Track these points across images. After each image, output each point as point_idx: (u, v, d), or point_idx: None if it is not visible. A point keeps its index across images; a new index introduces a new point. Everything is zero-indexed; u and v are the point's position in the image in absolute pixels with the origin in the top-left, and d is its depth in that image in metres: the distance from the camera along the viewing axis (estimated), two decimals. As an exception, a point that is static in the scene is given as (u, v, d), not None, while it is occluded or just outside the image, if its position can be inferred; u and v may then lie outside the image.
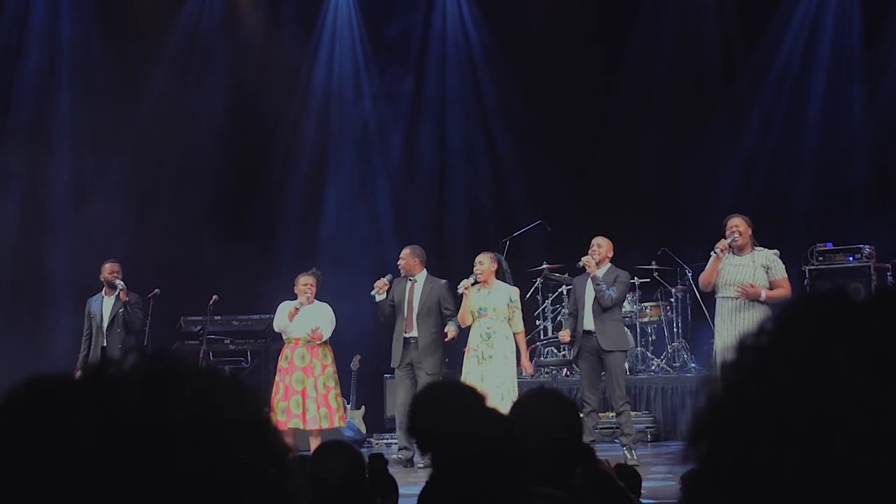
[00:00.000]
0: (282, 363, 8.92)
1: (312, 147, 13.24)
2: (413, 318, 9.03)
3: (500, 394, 8.13)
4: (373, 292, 9.08)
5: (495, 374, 8.38)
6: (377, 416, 11.13)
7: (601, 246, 8.73)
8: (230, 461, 0.83)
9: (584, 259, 8.67)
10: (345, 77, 13.47)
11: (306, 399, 8.74)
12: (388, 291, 9.09)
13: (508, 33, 13.15)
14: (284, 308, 8.98)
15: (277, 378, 8.89)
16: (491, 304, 8.52)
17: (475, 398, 2.29)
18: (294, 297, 9.00)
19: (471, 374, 8.45)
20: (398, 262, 9.23)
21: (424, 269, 9.20)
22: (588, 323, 8.63)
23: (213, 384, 0.87)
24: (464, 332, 8.91)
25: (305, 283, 8.94)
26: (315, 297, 9.07)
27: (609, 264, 8.75)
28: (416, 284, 9.11)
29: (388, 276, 9.16)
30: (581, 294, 8.76)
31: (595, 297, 8.60)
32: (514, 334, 8.61)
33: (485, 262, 8.64)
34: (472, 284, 8.61)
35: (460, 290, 8.60)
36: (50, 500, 0.80)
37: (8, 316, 11.64)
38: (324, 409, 8.83)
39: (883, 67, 12.27)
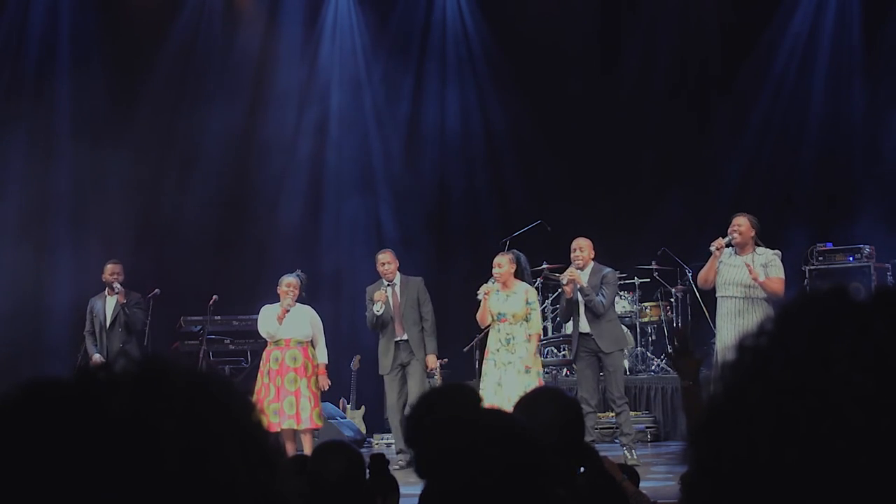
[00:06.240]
0: (272, 365, 8.79)
1: (312, 146, 13.24)
2: (400, 321, 9.05)
3: None
4: (376, 308, 9.02)
5: (517, 381, 8.13)
6: (377, 416, 11.13)
7: (583, 249, 8.60)
8: (220, 466, 0.83)
9: (569, 275, 8.50)
10: (345, 76, 13.47)
11: (300, 398, 8.70)
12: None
13: (508, 32, 13.16)
14: (269, 312, 8.89)
15: (266, 380, 8.76)
16: (510, 310, 8.31)
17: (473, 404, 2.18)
18: (276, 298, 8.95)
19: (489, 377, 8.34)
20: (382, 268, 9.17)
21: (398, 271, 9.26)
22: (584, 326, 8.56)
23: (204, 388, 0.87)
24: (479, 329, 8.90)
25: (289, 283, 8.90)
26: (297, 300, 9.01)
27: (592, 263, 8.63)
28: (396, 287, 9.14)
29: (386, 289, 9.14)
30: (575, 297, 8.68)
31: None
32: (529, 335, 8.40)
33: (503, 265, 8.38)
34: (493, 285, 8.48)
35: (479, 296, 8.45)
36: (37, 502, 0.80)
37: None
38: (317, 409, 8.82)
39: (883, 67, 12.27)
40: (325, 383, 8.92)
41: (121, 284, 9.87)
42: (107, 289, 9.97)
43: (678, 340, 2.89)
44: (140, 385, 0.85)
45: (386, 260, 9.19)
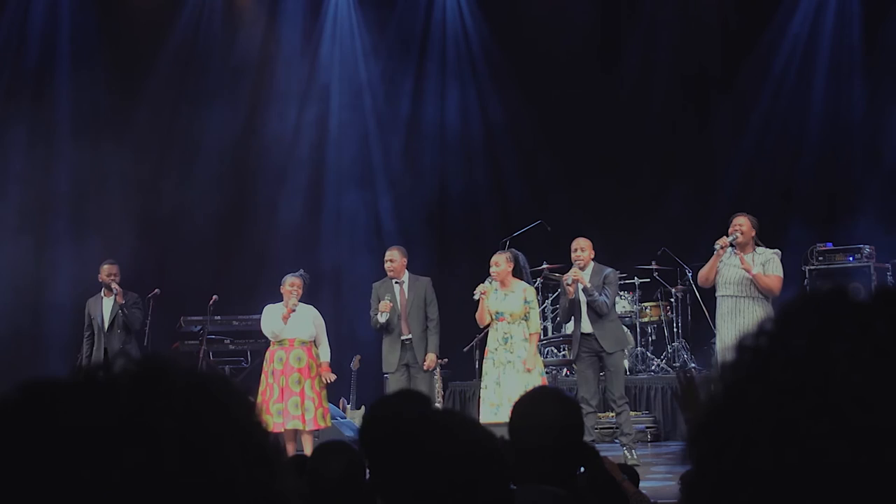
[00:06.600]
0: (276, 365, 8.78)
1: (312, 145, 13.24)
2: (406, 319, 9.04)
3: None
4: (379, 317, 9.02)
5: (517, 380, 8.10)
6: (377, 416, 11.12)
7: (584, 249, 8.61)
8: (219, 466, 0.83)
9: (572, 276, 8.51)
10: (345, 76, 13.47)
11: (305, 399, 8.69)
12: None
13: (508, 32, 13.16)
14: (273, 312, 8.87)
15: (271, 380, 8.75)
16: (508, 309, 8.30)
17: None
18: (279, 298, 8.94)
19: (488, 376, 8.33)
20: (387, 265, 9.17)
21: (406, 269, 9.21)
22: (586, 326, 8.57)
23: (204, 388, 0.87)
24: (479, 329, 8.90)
25: (293, 283, 8.88)
26: (300, 300, 8.99)
27: (593, 263, 8.65)
28: (404, 285, 9.11)
29: (394, 287, 9.13)
30: (577, 297, 8.69)
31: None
32: (528, 334, 8.37)
33: (500, 264, 8.35)
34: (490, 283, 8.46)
35: (476, 297, 8.43)
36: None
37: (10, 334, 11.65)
38: (320, 409, 8.82)
39: (883, 67, 12.27)
40: (329, 377, 8.91)
41: (118, 284, 9.79)
42: (104, 289, 9.85)
43: (685, 389, 2.88)
44: (139, 385, 0.84)
45: (390, 258, 9.15)
